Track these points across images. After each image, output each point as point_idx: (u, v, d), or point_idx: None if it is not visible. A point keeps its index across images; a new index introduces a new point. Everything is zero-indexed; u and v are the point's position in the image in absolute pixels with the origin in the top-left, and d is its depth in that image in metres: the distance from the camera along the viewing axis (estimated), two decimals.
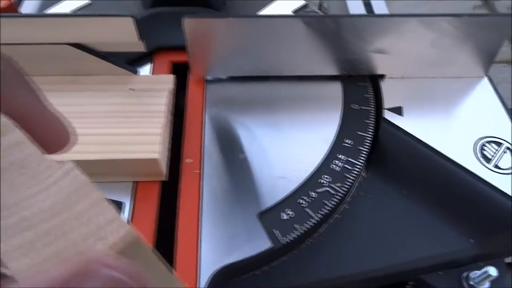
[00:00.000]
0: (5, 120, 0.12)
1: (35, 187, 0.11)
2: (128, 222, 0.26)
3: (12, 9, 0.31)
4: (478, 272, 0.28)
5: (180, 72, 0.35)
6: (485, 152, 0.31)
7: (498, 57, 0.34)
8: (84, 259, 0.10)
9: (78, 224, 0.10)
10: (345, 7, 0.55)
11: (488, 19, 0.31)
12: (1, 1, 0.31)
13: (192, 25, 0.30)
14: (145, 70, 0.35)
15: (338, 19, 0.30)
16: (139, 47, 0.31)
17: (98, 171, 0.27)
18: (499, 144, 0.31)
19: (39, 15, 0.34)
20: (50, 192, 0.11)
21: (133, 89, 0.31)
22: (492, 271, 0.27)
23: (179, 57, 0.36)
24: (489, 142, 0.31)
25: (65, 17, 0.29)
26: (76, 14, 0.33)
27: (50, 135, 0.13)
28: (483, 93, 0.34)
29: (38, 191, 0.11)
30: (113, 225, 0.10)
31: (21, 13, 0.36)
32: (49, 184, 0.11)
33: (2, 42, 0.29)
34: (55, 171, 0.11)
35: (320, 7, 0.63)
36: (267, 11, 0.39)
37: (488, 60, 0.34)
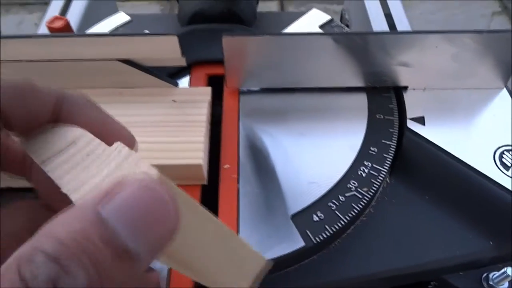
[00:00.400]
0: (78, 129, 0.17)
1: (101, 164, 0.15)
2: None
3: (67, 29, 0.35)
4: (497, 273, 0.30)
5: (214, 83, 0.38)
6: (504, 160, 0.33)
7: None
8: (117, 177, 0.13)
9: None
10: (366, 17, 0.57)
11: (507, 35, 0.33)
12: (57, 21, 0.34)
13: (230, 42, 0.32)
14: (183, 82, 0.38)
15: (366, 36, 0.33)
16: (181, 62, 0.33)
17: None
18: None
19: (94, 34, 0.37)
20: (109, 164, 0.15)
21: (175, 101, 0.34)
22: (510, 271, 0.29)
23: (214, 70, 0.39)
24: (508, 150, 0.33)
25: (116, 36, 0.32)
26: (126, 33, 0.36)
27: (123, 139, 0.17)
28: (502, 104, 0.36)
29: (102, 166, 0.15)
30: (150, 171, 0.14)
31: (75, 33, 0.39)
32: (109, 160, 0.15)
33: (58, 58, 0.33)
34: (112, 151, 0.16)
35: (342, 18, 0.65)
36: (295, 26, 0.41)
37: (507, 72, 0.36)
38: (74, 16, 0.51)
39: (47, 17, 0.52)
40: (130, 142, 0.19)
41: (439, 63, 0.35)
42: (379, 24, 0.56)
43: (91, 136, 0.17)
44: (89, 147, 0.16)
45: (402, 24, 0.56)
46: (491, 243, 0.31)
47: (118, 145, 0.16)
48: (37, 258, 0.10)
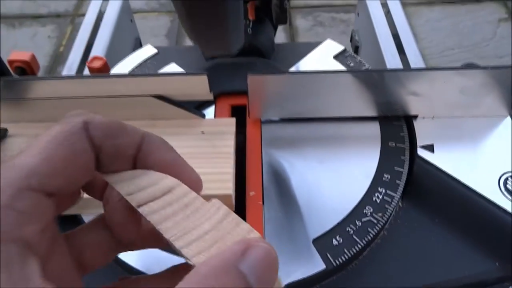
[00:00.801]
0: (171, 177, 0.19)
1: (201, 218, 0.18)
2: None
3: (106, 68, 0.38)
4: None
5: (236, 112, 0.41)
6: (508, 186, 0.35)
7: None
8: (243, 240, 0.16)
9: (229, 233, 0.17)
10: (375, 38, 0.60)
11: (510, 71, 0.35)
12: (96, 61, 0.37)
13: (254, 80, 0.35)
14: (209, 111, 0.41)
15: (382, 73, 0.35)
16: (209, 96, 0.36)
17: None
18: None
19: (131, 75, 0.40)
20: (210, 220, 0.17)
21: (204, 132, 0.37)
22: None
23: (236, 101, 0.42)
24: None
25: (151, 76, 0.35)
26: (160, 73, 0.39)
27: (192, 181, 0.20)
28: (506, 131, 0.39)
29: (202, 219, 0.17)
30: (251, 232, 0.17)
31: (111, 73, 0.42)
32: (209, 215, 0.18)
33: (98, 95, 0.36)
34: (210, 206, 0.18)
35: (352, 38, 0.68)
36: (310, 56, 0.44)
37: (511, 101, 0.39)
38: (102, 40, 0.55)
39: (76, 44, 0.55)
40: (198, 185, 0.21)
41: (447, 94, 0.38)
42: (387, 44, 0.58)
43: (185, 187, 0.19)
44: (186, 198, 0.18)
45: (410, 46, 0.58)
46: (497, 264, 0.33)
47: (216, 202, 0.18)
48: None
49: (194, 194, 0.19)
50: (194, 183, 0.20)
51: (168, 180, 0.19)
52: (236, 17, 0.19)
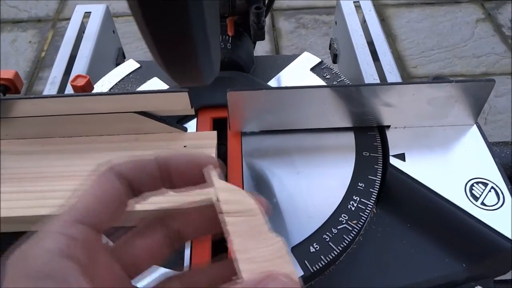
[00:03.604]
0: (253, 200, 0.22)
1: (261, 243, 0.20)
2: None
3: (89, 85, 0.39)
4: None
5: (217, 124, 0.43)
6: (473, 192, 0.37)
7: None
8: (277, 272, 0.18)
9: (274, 267, 0.19)
10: (352, 46, 0.62)
11: (473, 84, 0.38)
12: (80, 80, 0.38)
13: (233, 96, 0.37)
14: (191, 124, 0.43)
15: (359, 88, 0.37)
16: (190, 112, 0.38)
17: None
18: (485, 184, 0.38)
19: (114, 93, 0.41)
20: (267, 248, 0.20)
21: (186, 146, 0.38)
22: None
23: (217, 114, 0.43)
24: (477, 182, 0.38)
25: (134, 94, 0.37)
26: (142, 90, 0.41)
27: None
28: (473, 139, 0.41)
29: (262, 245, 0.20)
30: (291, 274, 0.19)
31: (96, 92, 0.43)
32: (268, 244, 0.20)
33: (82, 112, 0.37)
34: (272, 238, 0.21)
35: (330, 46, 0.70)
36: (288, 69, 0.46)
37: (476, 111, 0.41)
38: (84, 55, 0.56)
39: (58, 58, 0.56)
40: None
41: (416, 106, 0.40)
42: (363, 53, 0.60)
43: (263, 212, 0.22)
44: (257, 221, 0.21)
45: (384, 55, 0.60)
46: (464, 265, 0.36)
47: (278, 237, 0.21)
48: None
49: (264, 220, 0.21)
50: None
51: (251, 202, 0.22)
52: (209, 45, 0.19)
